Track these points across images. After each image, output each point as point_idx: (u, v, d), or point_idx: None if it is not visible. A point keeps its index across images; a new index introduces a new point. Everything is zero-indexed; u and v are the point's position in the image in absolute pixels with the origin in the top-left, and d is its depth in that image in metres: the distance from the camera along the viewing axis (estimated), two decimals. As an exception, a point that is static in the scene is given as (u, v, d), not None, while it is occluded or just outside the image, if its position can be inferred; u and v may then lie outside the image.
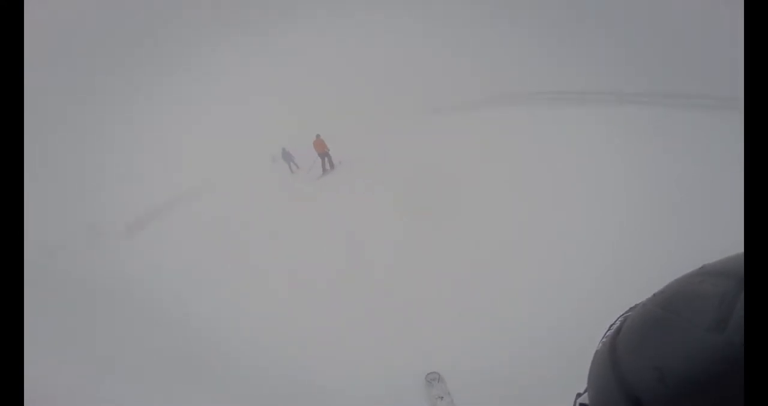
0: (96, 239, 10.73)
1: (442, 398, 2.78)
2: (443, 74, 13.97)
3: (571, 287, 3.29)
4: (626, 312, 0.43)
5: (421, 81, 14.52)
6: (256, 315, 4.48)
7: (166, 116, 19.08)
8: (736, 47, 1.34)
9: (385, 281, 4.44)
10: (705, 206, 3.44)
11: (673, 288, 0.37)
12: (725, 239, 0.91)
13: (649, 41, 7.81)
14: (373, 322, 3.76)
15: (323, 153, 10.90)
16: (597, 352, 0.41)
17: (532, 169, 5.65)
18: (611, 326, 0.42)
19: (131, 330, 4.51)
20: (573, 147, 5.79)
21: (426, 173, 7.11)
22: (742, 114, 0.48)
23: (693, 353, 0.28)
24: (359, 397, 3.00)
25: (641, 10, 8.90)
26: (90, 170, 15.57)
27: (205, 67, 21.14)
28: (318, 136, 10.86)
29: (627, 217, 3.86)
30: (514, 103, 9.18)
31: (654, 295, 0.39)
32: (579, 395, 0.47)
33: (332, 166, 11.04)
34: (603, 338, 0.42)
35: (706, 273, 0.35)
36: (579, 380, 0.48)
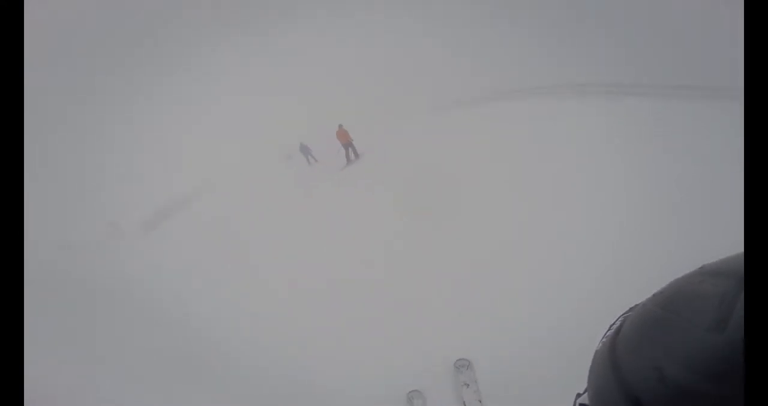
0: (96, 239, 10.73)
1: (468, 385, 2.76)
2: (443, 74, 13.96)
3: (571, 287, 3.29)
4: (626, 312, 0.43)
5: (421, 81, 14.51)
6: (256, 315, 4.48)
7: (166, 116, 19.07)
8: (736, 47, 1.34)
9: (385, 281, 4.44)
10: (705, 205, 3.44)
11: (673, 288, 0.37)
12: (725, 239, 0.91)
13: (650, 41, 7.81)
14: (373, 322, 3.76)
15: (347, 143, 10.67)
16: (597, 352, 0.41)
17: (532, 169, 5.65)
18: (611, 326, 0.42)
19: (131, 330, 4.51)
20: (573, 146, 5.79)
21: (426, 173, 7.10)
22: (741, 107, 0.48)
23: (693, 353, 0.28)
24: (359, 397, 3.00)
25: (641, 10, 8.90)
26: (90, 170, 15.57)
27: (205, 67, 21.13)
28: (340, 126, 10.63)
29: (627, 217, 3.86)
30: (513, 100, 9.17)
31: (654, 295, 0.39)
32: (579, 395, 0.47)
33: (357, 155, 10.82)
34: (603, 338, 0.42)
35: (706, 273, 0.35)
36: (579, 380, 0.48)
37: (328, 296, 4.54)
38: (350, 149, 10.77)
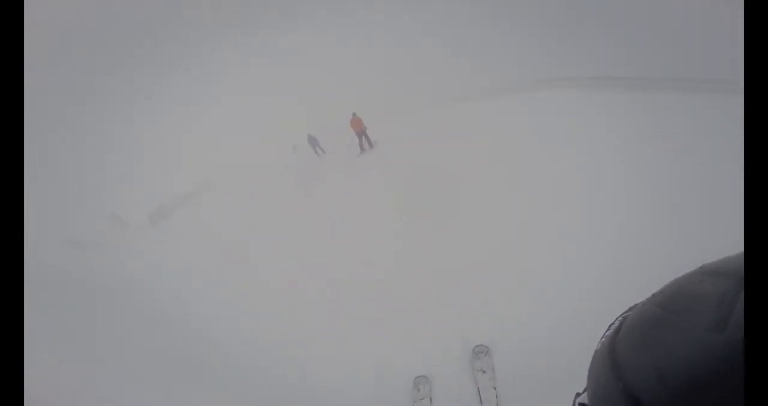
0: (96, 239, 10.73)
1: (484, 372, 2.73)
2: (443, 74, 13.98)
3: (571, 287, 3.29)
4: (626, 312, 0.43)
5: (422, 81, 14.53)
6: (256, 315, 4.48)
7: (166, 116, 19.10)
8: (736, 47, 1.34)
9: (385, 281, 4.44)
10: (705, 205, 3.44)
11: (673, 288, 0.37)
12: (725, 239, 0.91)
13: (650, 41, 7.81)
14: (373, 322, 3.76)
15: (360, 131, 10.49)
16: (597, 352, 0.41)
17: (532, 169, 5.65)
18: (611, 325, 0.42)
19: (131, 330, 4.51)
20: (573, 146, 5.79)
21: (426, 173, 7.11)
22: (741, 106, 0.48)
23: (693, 353, 0.28)
24: (359, 397, 3.00)
25: (641, 10, 8.90)
26: (90, 170, 15.59)
27: (205, 67, 21.16)
28: (354, 114, 10.46)
29: (627, 217, 3.86)
30: (513, 100, 9.18)
31: (654, 295, 0.39)
32: (578, 394, 0.47)
33: (371, 144, 10.64)
34: (602, 337, 0.42)
35: (706, 273, 0.35)
36: (579, 380, 0.48)
37: (328, 296, 4.54)
38: (363, 138, 10.56)
